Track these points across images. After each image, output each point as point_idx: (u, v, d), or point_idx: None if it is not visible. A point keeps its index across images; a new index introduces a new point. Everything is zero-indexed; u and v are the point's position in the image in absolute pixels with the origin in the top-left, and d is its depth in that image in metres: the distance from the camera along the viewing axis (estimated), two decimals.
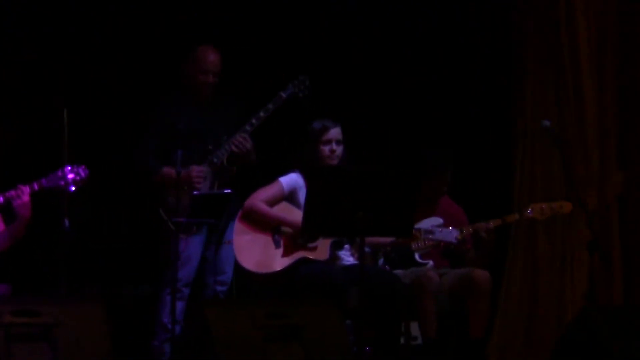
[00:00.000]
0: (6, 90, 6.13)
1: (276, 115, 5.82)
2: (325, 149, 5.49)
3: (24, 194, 4.93)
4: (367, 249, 5.18)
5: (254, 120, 5.76)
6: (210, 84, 5.84)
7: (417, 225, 5.54)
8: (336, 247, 5.47)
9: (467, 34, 6.95)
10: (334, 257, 5.47)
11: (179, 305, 5.51)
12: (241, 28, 6.68)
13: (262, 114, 5.76)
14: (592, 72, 6.51)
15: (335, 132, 5.51)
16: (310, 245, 5.40)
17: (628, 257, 6.44)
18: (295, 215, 5.32)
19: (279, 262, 5.38)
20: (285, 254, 5.41)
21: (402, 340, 5.44)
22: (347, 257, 5.53)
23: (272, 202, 5.47)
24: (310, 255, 5.39)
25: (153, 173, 5.74)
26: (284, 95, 5.81)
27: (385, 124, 6.94)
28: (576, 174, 6.38)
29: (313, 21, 6.84)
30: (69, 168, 5.03)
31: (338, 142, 5.51)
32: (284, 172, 5.57)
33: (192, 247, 5.76)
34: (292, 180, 5.53)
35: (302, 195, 5.39)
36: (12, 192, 4.93)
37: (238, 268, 5.54)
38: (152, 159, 5.76)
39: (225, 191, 5.59)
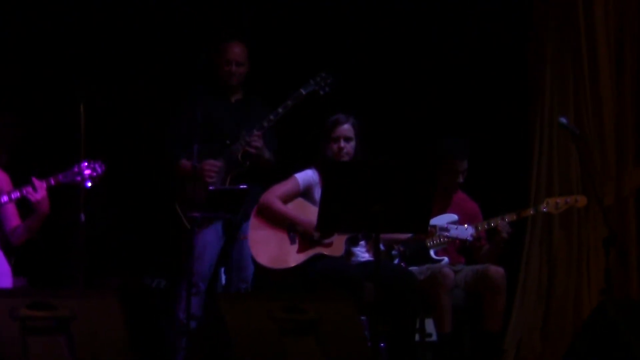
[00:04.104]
0: (23, 85, 6.16)
1: (295, 110, 5.78)
2: (334, 146, 5.47)
3: (40, 189, 4.93)
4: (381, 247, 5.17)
5: (271, 117, 5.70)
6: (234, 73, 5.84)
7: (432, 222, 5.53)
8: (351, 243, 5.46)
9: (485, 26, 6.92)
10: (349, 253, 5.46)
11: (195, 301, 5.47)
12: (259, 23, 6.68)
13: (280, 110, 5.70)
14: (610, 66, 6.51)
15: (343, 129, 5.46)
16: (326, 241, 5.39)
17: None
18: (310, 213, 5.31)
19: (294, 257, 5.38)
20: (301, 250, 5.40)
21: (417, 337, 5.43)
22: (362, 253, 5.52)
23: (288, 198, 5.46)
24: (325, 252, 5.38)
25: (173, 163, 5.75)
26: (303, 91, 5.73)
27: (401, 116, 6.92)
28: (593, 169, 6.36)
29: (330, 14, 6.83)
30: (86, 164, 5.02)
31: (347, 139, 5.46)
32: (301, 168, 5.57)
33: (206, 240, 5.71)
34: (307, 176, 5.52)
35: (317, 192, 5.38)
36: (29, 187, 4.94)
37: (254, 263, 5.54)
38: (175, 147, 5.76)
39: (241, 187, 5.58)
